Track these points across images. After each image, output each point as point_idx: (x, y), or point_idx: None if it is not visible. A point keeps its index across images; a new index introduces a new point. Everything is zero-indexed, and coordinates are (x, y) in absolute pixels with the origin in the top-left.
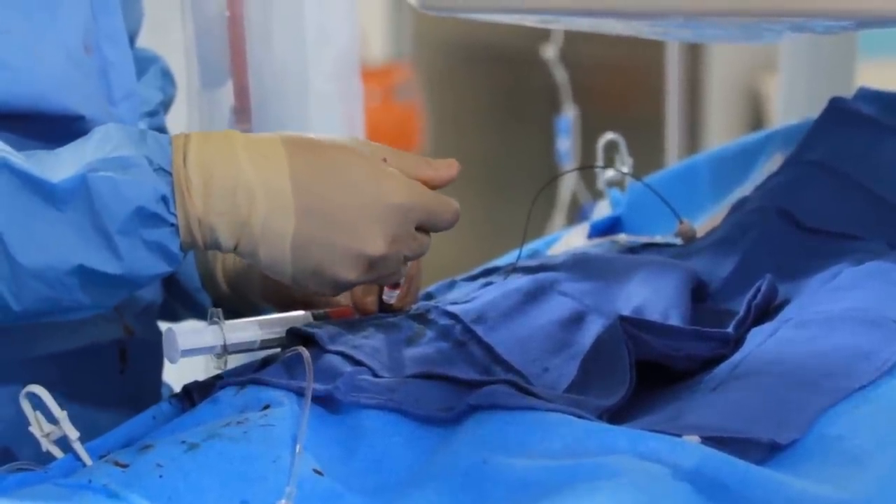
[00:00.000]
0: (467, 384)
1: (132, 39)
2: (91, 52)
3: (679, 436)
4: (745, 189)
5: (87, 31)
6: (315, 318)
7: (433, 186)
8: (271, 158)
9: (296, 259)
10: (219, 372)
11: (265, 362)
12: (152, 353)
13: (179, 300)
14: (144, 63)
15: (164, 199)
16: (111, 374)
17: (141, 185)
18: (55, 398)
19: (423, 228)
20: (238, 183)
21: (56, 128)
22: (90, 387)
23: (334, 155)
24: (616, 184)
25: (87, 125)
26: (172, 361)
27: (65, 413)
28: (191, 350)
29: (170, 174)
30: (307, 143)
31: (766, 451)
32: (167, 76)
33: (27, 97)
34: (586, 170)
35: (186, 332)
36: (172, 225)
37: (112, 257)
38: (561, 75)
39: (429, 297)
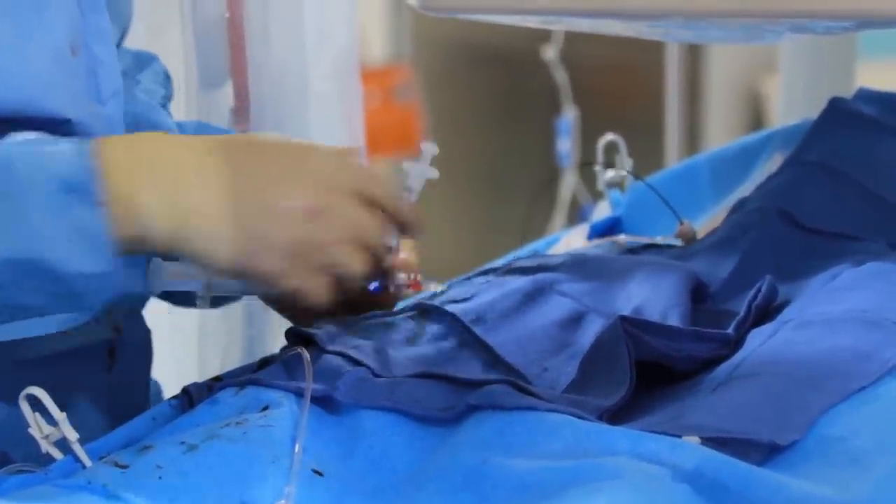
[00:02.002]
0: (467, 384)
1: (123, 34)
2: (78, 51)
3: (679, 437)
4: (745, 189)
5: (75, 31)
6: None
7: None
8: (192, 138)
9: (234, 224)
10: (216, 367)
11: (264, 363)
12: (140, 349)
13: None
14: (145, 58)
15: (89, 169)
16: (99, 372)
17: (64, 154)
18: None
19: (369, 203)
20: (162, 155)
21: (42, 132)
22: (78, 386)
23: (256, 135)
24: (616, 184)
25: (74, 128)
26: (154, 291)
27: (64, 415)
28: (176, 276)
29: (95, 155)
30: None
31: (766, 452)
32: (166, 76)
33: (13, 102)
34: (586, 172)
35: (174, 262)
36: (100, 205)
37: (36, 244)
38: (561, 76)
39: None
